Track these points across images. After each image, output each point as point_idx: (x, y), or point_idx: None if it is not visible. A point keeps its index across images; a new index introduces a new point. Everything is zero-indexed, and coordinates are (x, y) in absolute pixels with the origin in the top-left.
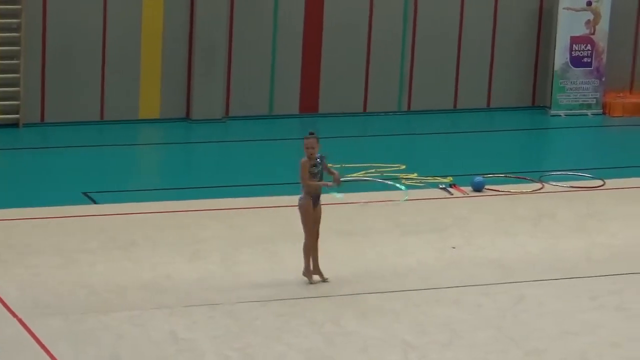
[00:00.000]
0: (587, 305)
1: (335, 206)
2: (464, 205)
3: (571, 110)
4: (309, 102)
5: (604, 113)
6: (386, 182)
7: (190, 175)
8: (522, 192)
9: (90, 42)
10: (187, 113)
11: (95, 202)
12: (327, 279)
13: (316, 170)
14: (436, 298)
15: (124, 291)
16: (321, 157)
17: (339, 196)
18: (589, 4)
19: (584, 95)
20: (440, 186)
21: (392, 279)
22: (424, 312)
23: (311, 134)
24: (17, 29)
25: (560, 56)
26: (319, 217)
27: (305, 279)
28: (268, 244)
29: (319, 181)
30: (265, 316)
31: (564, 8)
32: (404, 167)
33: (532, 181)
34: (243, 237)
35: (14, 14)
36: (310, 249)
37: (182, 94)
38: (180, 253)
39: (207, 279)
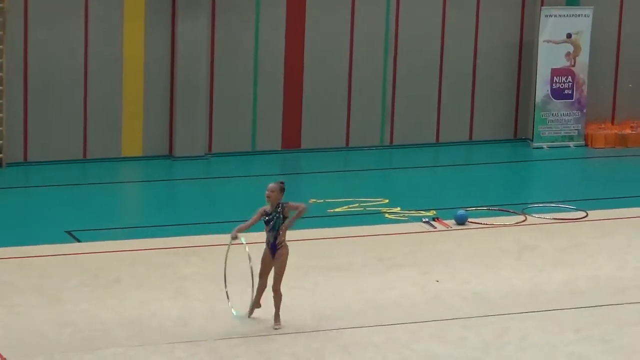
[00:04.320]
0: (571, 338)
1: (317, 241)
2: (447, 239)
3: (553, 142)
4: (291, 138)
5: (586, 144)
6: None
7: (173, 212)
8: (505, 225)
9: (72, 81)
10: (170, 150)
11: (78, 241)
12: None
13: (268, 220)
14: (419, 332)
15: (108, 329)
16: (282, 206)
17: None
18: (569, 36)
19: (566, 127)
20: (424, 220)
21: (374, 314)
22: (407, 347)
23: (281, 182)
24: None
25: (541, 88)
26: (277, 268)
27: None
28: (248, 279)
29: (269, 232)
30: (247, 353)
31: (544, 40)
32: (387, 201)
33: (515, 214)
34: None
35: None
36: (261, 289)
37: (165, 132)
38: (163, 290)
39: (190, 316)
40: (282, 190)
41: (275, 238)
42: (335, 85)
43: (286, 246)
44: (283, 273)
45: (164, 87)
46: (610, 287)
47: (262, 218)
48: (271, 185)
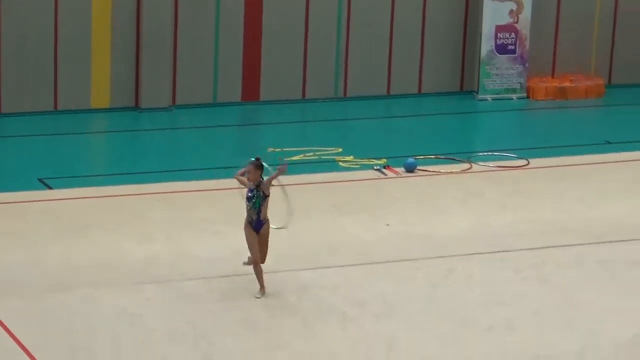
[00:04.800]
0: (512, 278)
1: (274, 187)
2: (397, 186)
3: (497, 94)
4: (250, 91)
5: (528, 97)
6: None
7: (140, 161)
8: (451, 173)
9: (44, 38)
10: (136, 102)
11: (51, 188)
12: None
13: (250, 197)
14: (372, 272)
15: (78, 271)
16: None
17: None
18: None
19: (509, 80)
20: (375, 168)
21: (329, 255)
22: (360, 286)
23: (256, 159)
24: None
25: (486, 44)
26: (263, 242)
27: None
28: (211, 224)
29: (250, 209)
30: (210, 292)
31: None
32: (340, 150)
33: (461, 162)
34: (188, 218)
35: None
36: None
37: (131, 85)
38: (131, 234)
39: (156, 258)
40: (258, 167)
41: (258, 215)
42: (292, 41)
43: (268, 221)
44: (267, 246)
45: (131, 42)
46: (549, 230)
47: (246, 193)
48: (247, 166)
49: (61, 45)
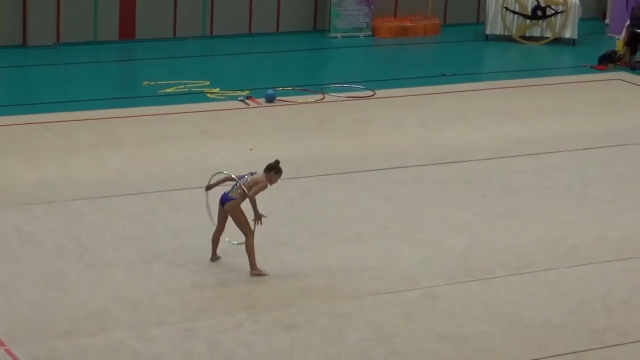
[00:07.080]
0: (362, 195)
1: (150, 117)
2: (258, 114)
3: (346, 32)
4: (127, 30)
5: (373, 35)
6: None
7: (28, 94)
8: (307, 102)
9: None
10: (24, 41)
11: None
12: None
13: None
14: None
15: None
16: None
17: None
18: None
19: (357, 20)
20: (239, 98)
21: (197, 177)
22: None
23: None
24: None
25: None
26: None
27: (257, 273)
28: (94, 149)
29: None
30: (93, 211)
31: None
32: (208, 83)
33: (315, 93)
34: (73, 145)
35: None
36: (253, 246)
37: (19, 24)
38: (21, 160)
39: (45, 181)
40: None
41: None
42: None
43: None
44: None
45: None
46: (392, 152)
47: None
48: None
49: None
